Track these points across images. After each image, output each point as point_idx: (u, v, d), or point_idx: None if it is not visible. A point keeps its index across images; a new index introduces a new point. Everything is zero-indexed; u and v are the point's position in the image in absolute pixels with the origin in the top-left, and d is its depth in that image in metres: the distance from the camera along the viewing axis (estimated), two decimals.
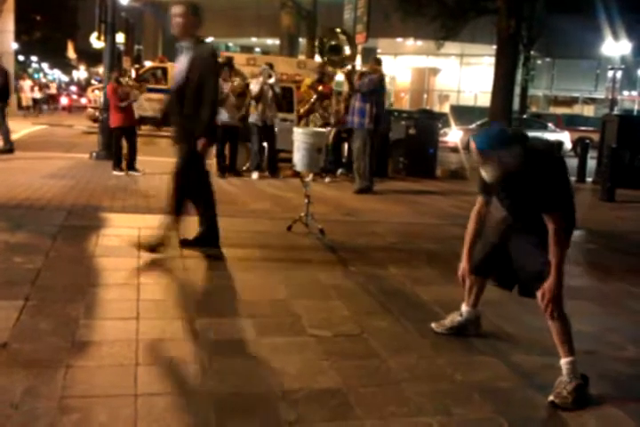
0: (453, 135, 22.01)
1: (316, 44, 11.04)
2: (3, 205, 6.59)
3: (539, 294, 3.12)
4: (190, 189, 5.13)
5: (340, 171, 11.18)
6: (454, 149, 20.15)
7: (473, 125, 23.48)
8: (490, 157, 3.10)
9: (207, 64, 4.92)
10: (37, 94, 28.78)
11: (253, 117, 10.39)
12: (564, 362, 3.16)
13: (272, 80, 10.38)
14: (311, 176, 6.73)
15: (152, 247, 5.03)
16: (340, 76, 17.67)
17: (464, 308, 3.84)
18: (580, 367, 3.18)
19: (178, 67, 5.08)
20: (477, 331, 3.89)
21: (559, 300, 3.11)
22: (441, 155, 14.00)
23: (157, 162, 10.51)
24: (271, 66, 10.70)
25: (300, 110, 11.26)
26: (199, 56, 4.92)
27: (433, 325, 3.94)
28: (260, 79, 10.31)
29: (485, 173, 3.21)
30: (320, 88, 10.78)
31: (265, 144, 10.56)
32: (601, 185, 11.01)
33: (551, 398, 3.08)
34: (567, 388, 3.08)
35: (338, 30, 9.32)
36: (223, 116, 10.11)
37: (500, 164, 3.09)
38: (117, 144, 10.01)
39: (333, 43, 8.98)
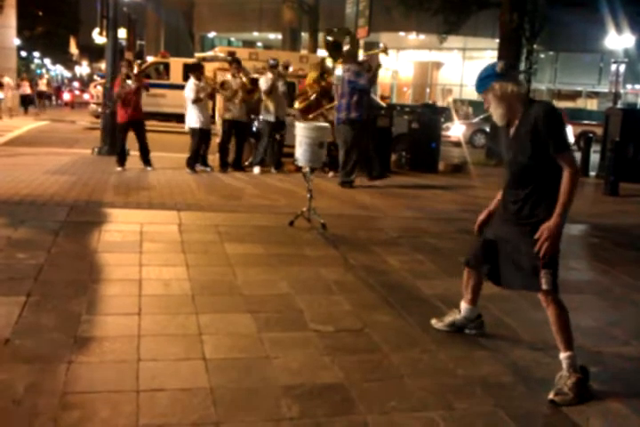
0: (456, 129, 21.97)
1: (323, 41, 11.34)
2: (5, 201, 6.60)
3: (537, 235, 3.10)
4: None
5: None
6: (457, 144, 20.10)
7: (475, 120, 23.43)
8: (487, 95, 3.23)
9: None
10: (28, 90, 28.53)
11: (266, 114, 10.37)
12: (563, 357, 3.16)
13: (290, 69, 10.47)
14: (307, 170, 6.63)
15: None
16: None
17: (463, 305, 3.79)
18: (584, 363, 3.18)
19: None
20: (481, 330, 3.83)
21: (556, 244, 3.09)
22: (443, 149, 13.97)
23: (160, 157, 10.51)
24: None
25: (299, 102, 11.21)
26: None
27: (433, 321, 3.92)
28: (269, 75, 10.25)
29: (493, 114, 3.28)
30: (323, 83, 10.79)
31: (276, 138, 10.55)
32: (604, 179, 10.97)
33: (551, 396, 3.06)
34: (568, 383, 3.08)
35: (335, 30, 9.66)
36: (232, 111, 10.11)
37: (496, 98, 3.20)
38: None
39: (331, 39, 9.22)
